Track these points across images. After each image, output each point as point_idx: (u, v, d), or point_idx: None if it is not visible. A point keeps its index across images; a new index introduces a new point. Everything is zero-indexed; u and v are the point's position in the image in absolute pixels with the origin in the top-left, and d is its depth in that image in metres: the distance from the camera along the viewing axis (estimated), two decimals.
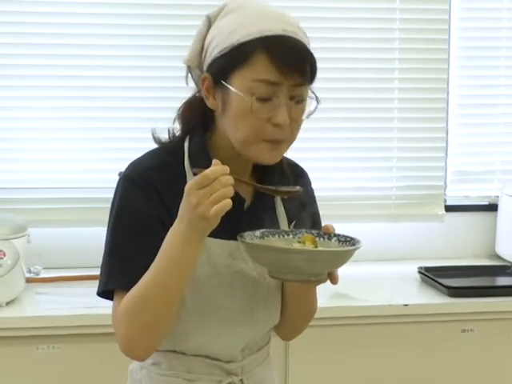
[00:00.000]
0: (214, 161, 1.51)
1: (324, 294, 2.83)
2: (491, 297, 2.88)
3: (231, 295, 1.67)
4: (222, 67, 1.59)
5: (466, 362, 2.85)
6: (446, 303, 2.83)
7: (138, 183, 1.62)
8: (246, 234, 1.61)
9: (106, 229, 1.67)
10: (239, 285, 1.68)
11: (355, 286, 2.88)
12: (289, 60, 1.56)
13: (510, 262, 3.27)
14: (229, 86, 1.58)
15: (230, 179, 1.49)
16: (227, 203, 1.47)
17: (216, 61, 1.60)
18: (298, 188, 1.63)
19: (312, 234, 1.64)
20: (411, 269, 3.14)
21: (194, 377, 1.70)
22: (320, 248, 1.61)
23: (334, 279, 1.60)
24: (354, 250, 1.56)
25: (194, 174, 1.52)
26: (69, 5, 3.14)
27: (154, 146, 1.73)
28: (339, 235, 1.64)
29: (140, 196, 1.61)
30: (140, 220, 1.60)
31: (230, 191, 1.48)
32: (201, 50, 1.66)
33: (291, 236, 1.66)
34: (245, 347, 1.74)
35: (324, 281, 1.60)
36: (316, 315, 2.69)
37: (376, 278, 3.10)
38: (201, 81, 1.64)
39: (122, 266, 1.60)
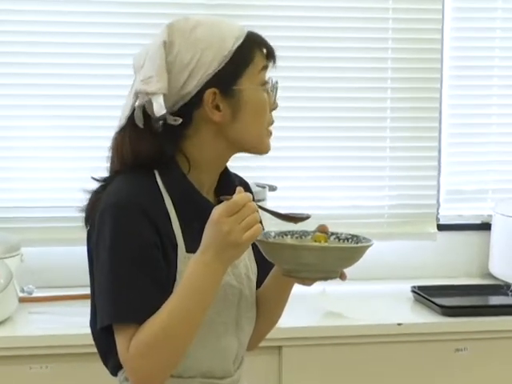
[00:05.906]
0: (239, 188, 1.55)
1: (317, 313, 2.85)
2: (485, 316, 2.87)
3: (223, 308, 1.68)
4: (229, 74, 1.63)
5: (459, 382, 2.84)
6: (439, 322, 2.83)
7: (131, 210, 1.59)
8: (261, 233, 1.65)
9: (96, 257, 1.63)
10: (228, 297, 1.69)
11: (348, 305, 2.88)
12: (269, 44, 1.69)
13: (503, 282, 3.27)
14: (242, 88, 1.63)
15: (256, 205, 1.52)
16: (258, 228, 1.51)
17: (219, 72, 1.62)
18: (306, 215, 1.66)
19: (323, 234, 1.69)
20: (404, 288, 3.13)
21: None
22: (337, 245, 1.67)
23: (342, 276, 1.64)
24: (367, 246, 1.60)
25: (219, 202, 1.53)
26: (44, 13, 3.13)
27: None
28: (337, 233, 1.70)
29: (136, 223, 1.58)
30: (142, 248, 1.57)
31: (258, 217, 1.52)
32: (167, 74, 1.62)
33: (303, 237, 1.71)
34: (235, 359, 1.74)
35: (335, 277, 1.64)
36: (309, 334, 2.72)
37: (369, 297, 3.10)
38: (205, 99, 1.62)
39: (134, 299, 1.56)
